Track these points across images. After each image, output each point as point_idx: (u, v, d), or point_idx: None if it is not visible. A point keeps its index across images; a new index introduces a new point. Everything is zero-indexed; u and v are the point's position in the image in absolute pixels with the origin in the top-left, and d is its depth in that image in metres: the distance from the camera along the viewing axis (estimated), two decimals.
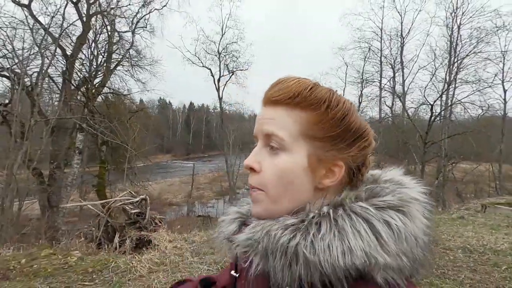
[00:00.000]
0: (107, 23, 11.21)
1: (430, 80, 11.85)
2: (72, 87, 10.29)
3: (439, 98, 11.43)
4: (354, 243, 0.43)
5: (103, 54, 11.39)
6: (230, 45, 18.02)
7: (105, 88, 11.50)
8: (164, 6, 12.03)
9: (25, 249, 4.21)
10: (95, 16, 11.00)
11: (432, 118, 10.96)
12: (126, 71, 11.74)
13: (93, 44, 11.04)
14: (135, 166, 11.61)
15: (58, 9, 9.78)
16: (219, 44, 18.06)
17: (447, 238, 4.46)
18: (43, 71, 9.50)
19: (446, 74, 11.77)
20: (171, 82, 21.19)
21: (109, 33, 11.26)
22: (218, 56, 18.05)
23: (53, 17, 9.76)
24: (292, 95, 0.50)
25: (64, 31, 10.08)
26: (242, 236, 0.51)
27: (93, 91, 11.01)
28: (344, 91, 20.43)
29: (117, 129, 10.04)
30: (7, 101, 10.21)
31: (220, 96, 18.54)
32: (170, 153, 53.24)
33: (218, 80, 18.42)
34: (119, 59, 11.73)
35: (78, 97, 11.19)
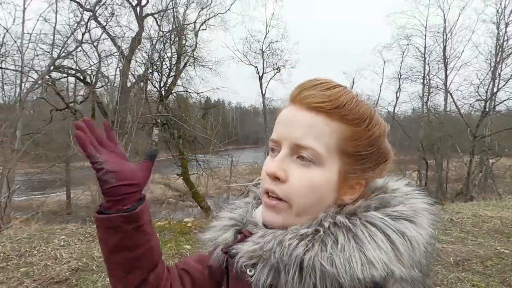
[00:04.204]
0: (177, 27, 12.24)
1: (485, 77, 12.47)
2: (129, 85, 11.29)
3: (495, 94, 12.08)
4: (374, 255, 0.42)
5: (175, 55, 12.47)
6: (273, 44, 18.90)
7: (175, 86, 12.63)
8: (228, 9, 13.01)
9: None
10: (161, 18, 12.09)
11: (484, 113, 11.63)
12: (194, 71, 12.80)
13: (171, 47, 12.14)
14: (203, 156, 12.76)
15: (114, 10, 10.42)
16: (263, 43, 18.96)
17: None
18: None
19: (498, 70, 12.36)
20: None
21: (179, 36, 12.30)
22: (262, 54, 18.95)
23: (108, 18, 10.39)
24: (338, 105, 0.46)
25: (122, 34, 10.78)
26: (248, 246, 0.48)
27: (167, 89, 12.18)
28: (381, 86, 21.00)
29: (193, 124, 11.17)
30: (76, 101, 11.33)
31: (263, 92, 19.50)
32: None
33: (261, 78, 19.37)
34: (186, 60, 12.81)
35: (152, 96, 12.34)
